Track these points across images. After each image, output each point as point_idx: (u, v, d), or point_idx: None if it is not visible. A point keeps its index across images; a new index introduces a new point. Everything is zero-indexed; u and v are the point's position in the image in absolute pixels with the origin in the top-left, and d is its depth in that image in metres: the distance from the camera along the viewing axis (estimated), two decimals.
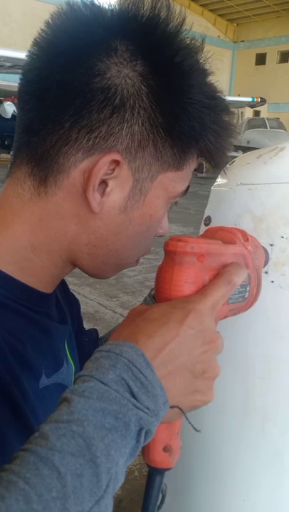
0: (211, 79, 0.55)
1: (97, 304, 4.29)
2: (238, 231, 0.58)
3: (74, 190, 0.52)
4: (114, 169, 0.51)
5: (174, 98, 0.51)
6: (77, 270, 0.60)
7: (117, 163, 0.51)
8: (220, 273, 0.51)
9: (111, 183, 0.52)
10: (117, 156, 0.50)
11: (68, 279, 0.70)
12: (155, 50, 0.51)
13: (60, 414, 0.37)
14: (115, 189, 0.52)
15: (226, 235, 0.57)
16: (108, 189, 0.52)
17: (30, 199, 0.53)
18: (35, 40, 0.53)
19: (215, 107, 0.53)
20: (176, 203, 0.60)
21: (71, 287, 0.75)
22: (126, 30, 0.51)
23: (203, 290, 0.48)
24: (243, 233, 0.59)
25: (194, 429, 0.48)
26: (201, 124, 0.52)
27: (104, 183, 0.51)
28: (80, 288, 4.57)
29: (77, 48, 0.50)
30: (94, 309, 4.16)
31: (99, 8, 0.52)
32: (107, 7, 0.53)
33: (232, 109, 0.59)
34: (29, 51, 0.53)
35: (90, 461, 0.35)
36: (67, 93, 0.49)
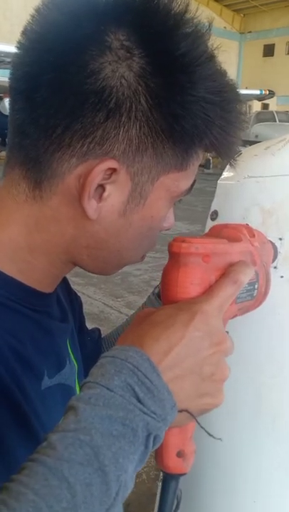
0: (219, 68, 0.52)
1: (102, 304, 4.30)
2: (244, 227, 0.58)
3: (69, 196, 0.51)
4: (111, 174, 0.50)
5: (174, 97, 0.48)
6: (81, 270, 0.60)
7: (113, 169, 0.49)
8: (226, 273, 0.50)
9: (108, 188, 0.50)
10: (113, 164, 0.49)
11: (72, 279, 0.70)
12: (153, 44, 0.48)
13: (67, 423, 0.37)
14: (113, 194, 0.51)
15: (231, 232, 0.57)
16: (105, 194, 0.50)
17: (25, 201, 0.52)
18: (24, 29, 0.51)
19: (221, 101, 0.50)
20: (180, 200, 0.59)
21: (75, 287, 0.75)
22: (121, 22, 0.48)
23: (209, 291, 0.48)
24: (249, 229, 0.59)
25: (209, 434, 0.48)
26: (205, 121, 0.50)
27: (101, 187, 0.50)
28: (85, 288, 4.58)
29: (67, 43, 0.47)
30: (99, 309, 4.17)
31: None
32: None
33: (243, 100, 0.56)
34: (18, 42, 0.50)
35: (98, 469, 0.35)
36: (58, 94, 0.47)
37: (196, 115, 0.49)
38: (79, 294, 0.80)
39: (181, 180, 0.54)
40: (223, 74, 0.52)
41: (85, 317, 0.81)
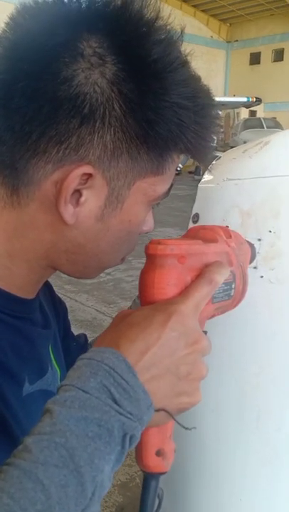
0: (192, 74, 0.52)
1: (95, 311, 4.28)
2: (220, 228, 0.59)
3: (47, 202, 0.51)
4: (87, 180, 0.49)
5: (147, 103, 0.48)
6: (73, 278, 0.59)
7: (89, 174, 0.49)
8: (201, 273, 0.51)
9: (85, 193, 0.50)
10: (88, 169, 0.49)
11: (65, 287, 0.71)
12: (126, 51, 0.48)
13: (43, 426, 0.37)
14: (90, 198, 0.51)
15: (208, 234, 0.57)
16: (82, 199, 0.50)
17: (3, 207, 0.52)
18: None
19: (195, 106, 0.50)
20: (158, 203, 0.59)
21: (68, 294, 0.76)
22: (93, 29, 0.48)
23: (185, 291, 0.49)
24: (226, 230, 0.59)
25: (184, 427, 0.49)
26: (179, 126, 0.50)
27: (77, 192, 0.50)
28: (78, 295, 4.56)
29: (40, 51, 0.47)
30: (91, 316, 4.15)
31: (64, 5, 0.50)
32: (75, 0, 0.49)
33: (217, 105, 0.56)
34: None
35: (74, 471, 0.35)
36: (32, 102, 0.47)
37: (169, 120, 0.49)
38: (72, 301, 0.80)
39: (158, 185, 0.54)
40: (196, 79, 0.52)
41: (78, 324, 0.81)
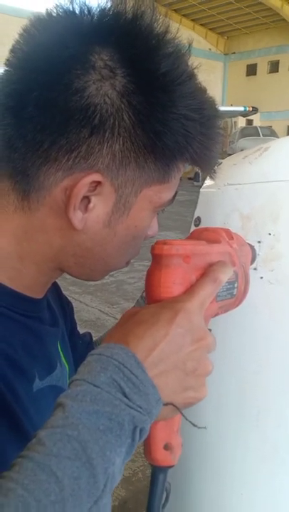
0: (198, 86, 0.52)
1: (99, 312, 4.28)
2: (223, 230, 0.59)
3: (56, 207, 0.51)
4: (96, 187, 0.50)
5: (156, 115, 0.48)
6: (78, 279, 0.60)
7: (98, 182, 0.49)
8: (206, 272, 0.51)
9: (93, 200, 0.50)
10: (97, 177, 0.49)
11: (69, 288, 0.71)
12: (135, 64, 0.48)
13: (56, 420, 0.37)
14: (98, 205, 0.51)
15: (211, 235, 0.57)
16: (91, 205, 0.50)
17: (14, 212, 0.52)
18: (12, 48, 0.51)
19: (201, 117, 0.51)
20: (163, 210, 0.59)
21: (73, 295, 0.76)
22: (105, 43, 0.48)
23: (190, 290, 0.49)
24: (228, 232, 0.59)
25: (194, 425, 0.48)
26: (186, 137, 0.50)
27: (86, 198, 0.50)
28: (82, 296, 4.57)
29: (53, 63, 0.47)
30: (95, 316, 4.15)
31: (76, 17, 0.49)
32: (86, 12, 0.49)
33: (222, 116, 0.57)
34: (7, 60, 0.51)
35: (86, 463, 0.35)
36: (44, 112, 0.47)
37: (176, 131, 0.49)
38: (76, 302, 0.80)
39: (163, 192, 0.54)
40: (202, 91, 0.52)
41: (83, 324, 0.81)
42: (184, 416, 0.48)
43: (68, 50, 0.47)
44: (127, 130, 0.48)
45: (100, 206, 0.51)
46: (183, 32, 0.54)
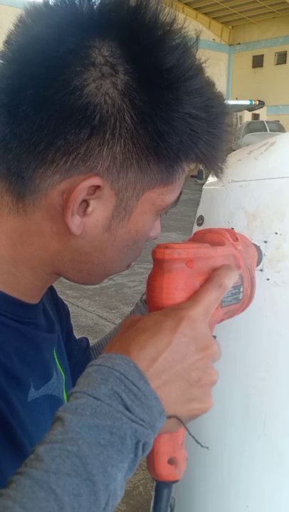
0: (206, 81, 0.51)
1: (97, 317, 4.28)
2: (227, 231, 0.59)
3: (53, 211, 0.50)
4: (95, 190, 0.49)
5: (159, 114, 0.47)
6: (75, 284, 0.60)
7: (97, 186, 0.49)
8: (210, 277, 0.51)
9: (92, 203, 0.50)
10: (96, 181, 0.48)
11: (66, 292, 0.71)
12: (138, 60, 0.47)
13: (54, 434, 0.37)
14: (97, 209, 0.50)
15: (215, 237, 0.57)
16: (89, 209, 0.50)
17: (8, 214, 0.52)
18: (7, 39, 0.49)
19: (208, 116, 0.49)
20: (166, 212, 0.58)
21: (70, 300, 0.76)
22: (105, 36, 0.47)
23: (194, 296, 0.49)
24: (232, 233, 0.59)
25: (197, 442, 0.49)
26: (191, 136, 0.49)
27: (85, 202, 0.50)
28: (79, 300, 4.56)
29: (50, 58, 0.46)
30: (93, 322, 4.15)
31: (75, 7, 0.48)
32: (86, 1, 0.48)
33: (230, 112, 0.55)
34: (1, 52, 0.49)
35: (86, 479, 0.35)
36: (40, 111, 0.46)
37: (181, 131, 0.48)
38: (73, 306, 0.80)
39: (167, 194, 0.54)
40: (210, 87, 0.51)
41: (80, 329, 0.81)
42: (187, 431, 0.48)
43: (66, 44, 0.46)
44: (129, 131, 0.47)
45: (100, 210, 0.51)
46: (188, 22, 0.53)
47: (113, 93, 0.46)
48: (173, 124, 0.48)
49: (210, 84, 0.52)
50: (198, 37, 0.52)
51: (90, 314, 4.31)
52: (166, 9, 0.48)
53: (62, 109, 0.46)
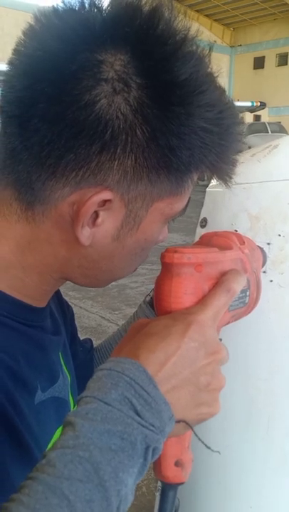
0: (217, 94, 0.50)
1: (100, 318, 4.28)
2: (234, 235, 0.59)
3: (62, 221, 0.50)
4: (105, 203, 0.49)
5: (171, 129, 0.47)
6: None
7: (108, 199, 0.49)
8: (219, 282, 0.51)
9: (102, 214, 0.50)
10: (107, 195, 0.48)
11: (69, 293, 0.71)
12: (151, 75, 0.46)
13: (66, 440, 0.37)
14: (107, 220, 0.50)
15: (222, 240, 0.57)
16: (99, 220, 0.50)
17: (17, 221, 0.52)
18: (16, 48, 0.49)
19: (219, 129, 0.49)
20: (174, 220, 0.58)
21: (72, 301, 0.76)
22: (118, 50, 0.46)
23: (203, 301, 0.49)
24: (239, 236, 0.59)
25: (207, 447, 0.49)
26: (202, 149, 0.49)
27: (95, 213, 0.49)
28: (82, 302, 4.56)
29: (61, 73, 0.45)
30: (96, 323, 4.15)
31: (86, 18, 0.47)
32: (96, 11, 0.47)
33: (241, 122, 0.54)
34: (9, 61, 0.49)
35: (98, 485, 0.35)
36: (52, 126, 0.46)
37: (193, 145, 0.48)
38: (76, 307, 0.81)
39: (176, 203, 0.54)
40: (221, 98, 0.51)
41: (83, 331, 0.81)
42: (196, 436, 0.48)
43: (79, 61, 0.45)
44: (140, 146, 0.47)
45: (109, 221, 0.51)
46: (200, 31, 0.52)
47: (125, 109, 0.46)
48: (184, 138, 0.47)
49: (221, 94, 0.51)
50: (211, 48, 0.51)
51: (92, 315, 4.32)
52: (179, 18, 0.47)
53: (73, 125, 0.46)
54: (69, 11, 0.48)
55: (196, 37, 0.49)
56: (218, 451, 0.49)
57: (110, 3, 0.48)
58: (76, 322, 0.80)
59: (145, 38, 0.46)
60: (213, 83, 0.50)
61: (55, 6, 0.48)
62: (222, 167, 0.53)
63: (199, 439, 0.49)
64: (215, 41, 29.07)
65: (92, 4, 0.48)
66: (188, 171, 0.51)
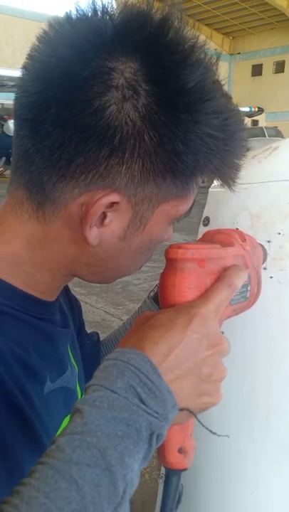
0: (223, 101, 0.50)
1: (104, 313, 4.29)
2: (236, 232, 0.59)
3: (71, 221, 0.51)
4: (112, 204, 0.49)
5: (177, 135, 0.46)
6: (84, 281, 0.60)
7: (115, 202, 0.49)
8: (221, 276, 0.51)
9: (110, 215, 0.50)
10: (115, 198, 0.48)
11: (75, 289, 0.71)
12: (160, 83, 0.46)
13: (74, 426, 0.37)
14: (114, 220, 0.51)
15: (224, 238, 0.57)
16: (107, 221, 0.50)
17: (28, 220, 0.52)
18: (30, 54, 0.49)
19: (225, 135, 0.49)
20: (178, 220, 0.58)
21: (78, 296, 0.76)
22: (128, 58, 0.46)
23: (205, 294, 0.49)
24: (240, 234, 0.59)
25: (213, 433, 0.49)
26: (207, 155, 0.49)
27: (102, 213, 0.50)
28: (87, 297, 4.58)
29: (72, 80, 0.45)
30: (101, 317, 4.16)
31: (99, 27, 0.46)
32: (108, 19, 0.47)
33: (246, 128, 0.54)
34: (23, 66, 0.49)
35: (105, 470, 0.35)
36: (63, 130, 0.46)
37: (198, 150, 0.48)
38: (82, 303, 0.80)
39: (181, 205, 0.54)
40: (227, 104, 0.50)
41: (88, 325, 0.81)
42: (200, 423, 0.48)
43: (90, 68, 0.45)
44: (148, 151, 0.47)
45: (116, 222, 0.51)
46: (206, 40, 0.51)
47: (134, 115, 0.46)
48: (190, 144, 0.47)
49: (228, 101, 0.51)
50: (218, 57, 0.51)
51: (97, 310, 4.33)
52: (188, 26, 0.47)
53: (83, 129, 0.46)
54: (82, 18, 0.48)
55: (204, 45, 0.48)
56: (226, 435, 0.49)
57: (121, 11, 0.47)
58: None
59: (155, 46, 0.46)
60: (219, 90, 0.50)
61: (69, 12, 0.48)
62: (226, 171, 0.52)
63: (203, 425, 0.49)
64: (215, 49, 29.00)
65: (105, 12, 0.47)
66: (193, 175, 0.51)
